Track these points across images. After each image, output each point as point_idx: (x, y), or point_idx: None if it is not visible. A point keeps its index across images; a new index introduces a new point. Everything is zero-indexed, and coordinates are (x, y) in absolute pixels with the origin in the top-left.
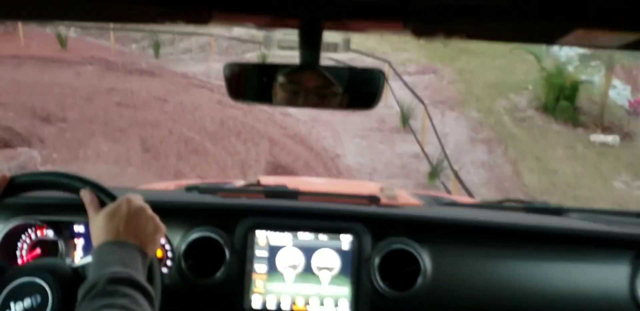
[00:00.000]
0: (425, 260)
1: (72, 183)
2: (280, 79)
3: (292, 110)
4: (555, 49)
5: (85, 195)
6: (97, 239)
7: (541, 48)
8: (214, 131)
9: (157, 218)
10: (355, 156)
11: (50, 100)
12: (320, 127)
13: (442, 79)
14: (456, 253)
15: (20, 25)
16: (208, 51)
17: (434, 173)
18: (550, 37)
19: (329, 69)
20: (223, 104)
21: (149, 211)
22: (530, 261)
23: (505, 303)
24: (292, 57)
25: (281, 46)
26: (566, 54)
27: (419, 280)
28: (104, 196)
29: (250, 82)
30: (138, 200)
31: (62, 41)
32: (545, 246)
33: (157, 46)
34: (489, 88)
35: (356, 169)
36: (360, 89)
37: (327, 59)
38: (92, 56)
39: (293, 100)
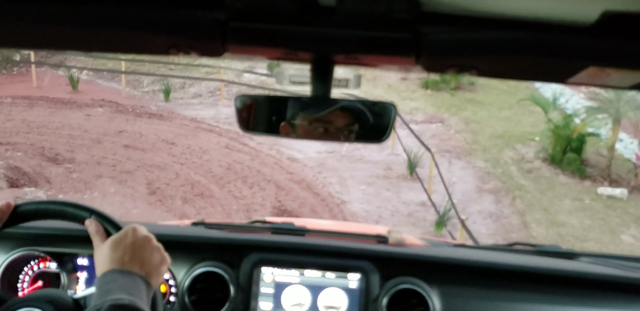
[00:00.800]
0: (434, 301)
1: (77, 212)
2: (300, 114)
3: (299, 155)
4: (561, 101)
5: (91, 225)
6: (101, 267)
7: (548, 100)
8: (220, 175)
9: (162, 249)
10: (362, 202)
11: (59, 141)
12: (326, 173)
13: (449, 129)
14: (465, 294)
15: (33, 66)
16: (218, 96)
17: (441, 222)
18: (562, 75)
19: (341, 101)
20: (231, 148)
21: (155, 241)
22: (541, 305)
23: None
24: (304, 92)
25: (292, 81)
26: (572, 107)
27: None
28: (109, 225)
29: (260, 114)
30: (143, 230)
31: (73, 83)
32: (557, 289)
33: (167, 90)
34: (496, 138)
35: (362, 216)
36: (371, 122)
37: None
38: (102, 99)
39: (306, 134)
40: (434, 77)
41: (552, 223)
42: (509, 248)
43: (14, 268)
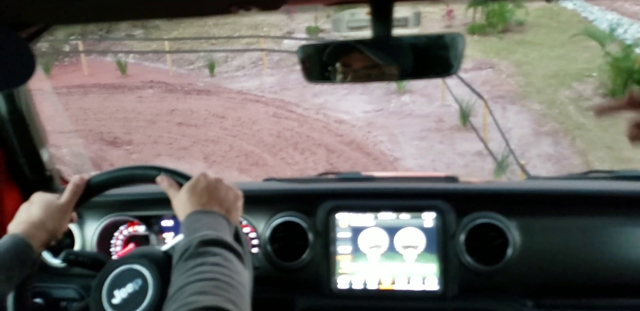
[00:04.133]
0: (513, 233)
1: (146, 172)
2: (365, 57)
3: (347, 116)
4: (619, 32)
5: (163, 180)
6: (183, 212)
7: (604, 32)
8: (272, 143)
9: (234, 187)
10: (415, 158)
11: (116, 125)
12: (376, 131)
13: (500, 73)
14: (544, 224)
15: (82, 55)
16: (260, 66)
17: (500, 169)
18: None
19: (403, 39)
20: (279, 117)
21: (226, 181)
22: (622, 229)
23: (597, 273)
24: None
25: (350, 27)
26: (632, 36)
27: (509, 253)
28: (179, 177)
29: (324, 62)
30: (212, 174)
31: (122, 68)
32: (638, 212)
33: (211, 66)
34: (550, 78)
35: (418, 172)
36: (438, 56)
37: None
38: (151, 80)
39: (374, 76)
40: (480, 21)
41: (617, 160)
42: (585, 176)
43: (107, 233)
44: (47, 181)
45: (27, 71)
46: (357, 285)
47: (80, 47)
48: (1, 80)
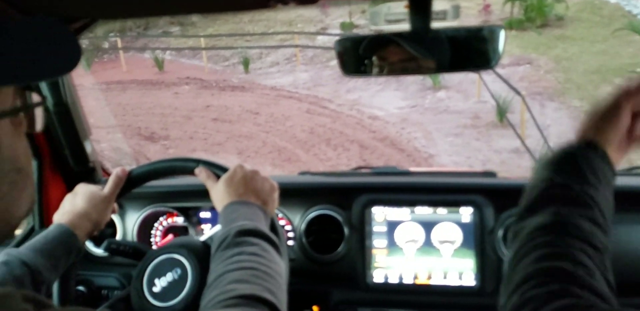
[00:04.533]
0: None
1: (185, 164)
2: (403, 50)
3: (381, 113)
4: None
5: (201, 172)
6: (220, 203)
7: None
8: (304, 140)
9: (270, 178)
10: (450, 154)
11: (153, 120)
12: (410, 127)
13: (539, 69)
14: None
15: (121, 52)
16: (294, 62)
17: None
18: None
19: (442, 32)
20: (312, 113)
21: (261, 173)
22: None
23: (635, 269)
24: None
25: (388, 20)
26: None
27: None
28: (216, 169)
29: (361, 56)
30: (248, 166)
31: (159, 64)
32: None
33: (246, 62)
34: (591, 74)
35: (454, 168)
36: (478, 48)
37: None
38: (187, 76)
39: (413, 69)
40: (518, 16)
41: None
42: (628, 172)
43: (147, 224)
44: (90, 173)
45: (72, 61)
46: (393, 279)
47: (119, 44)
48: (49, 68)
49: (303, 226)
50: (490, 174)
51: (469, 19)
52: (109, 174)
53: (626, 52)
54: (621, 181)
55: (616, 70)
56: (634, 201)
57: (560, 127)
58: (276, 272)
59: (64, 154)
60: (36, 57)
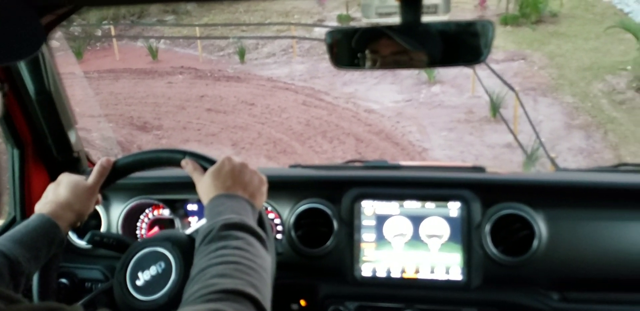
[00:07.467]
0: (540, 224)
1: (171, 155)
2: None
3: (376, 106)
4: None
5: (187, 164)
6: (207, 196)
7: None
8: (300, 132)
9: (259, 172)
10: (444, 149)
11: (145, 110)
12: (405, 121)
13: (533, 65)
14: (571, 216)
15: (114, 40)
16: (291, 54)
17: (529, 162)
18: None
19: (432, 25)
20: (308, 105)
21: (250, 166)
22: None
23: (624, 267)
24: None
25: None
26: None
27: (535, 244)
28: (203, 161)
29: (352, 48)
30: (237, 158)
31: (153, 53)
32: None
33: (242, 52)
34: (584, 71)
35: (446, 162)
36: (468, 43)
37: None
38: (181, 66)
39: (402, 63)
40: (513, 12)
41: None
42: (615, 169)
43: (132, 216)
44: (74, 163)
45: (34, 44)
46: (381, 273)
47: (112, 32)
48: (9, 51)
49: (292, 220)
50: (479, 169)
51: (465, 13)
52: (94, 164)
53: (617, 49)
54: (607, 177)
55: (608, 67)
56: (622, 197)
57: (553, 123)
58: (261, 267)
59: (47, 144)
60: None
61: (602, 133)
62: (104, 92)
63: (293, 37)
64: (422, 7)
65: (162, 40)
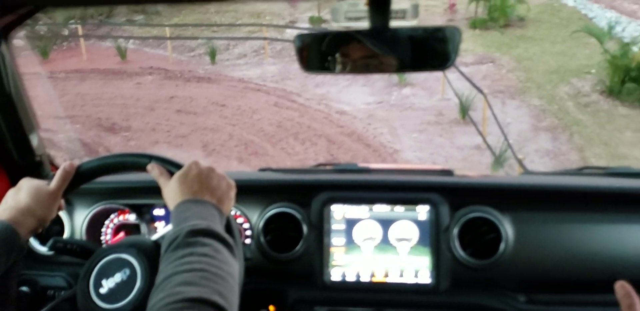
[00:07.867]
0: (506, 227)
1: (136, 160)
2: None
3: (348, 108)
4: (617, 30)
5: (153, 169)
6: (173, 201)
7: (603, 30)
8: (272, 133)
9: (227, 176)
10: (414, 150)
11: (113, 111)
12: (376, 123)
13: (501, 68)
14: (537, 218)
15: (82, 40)
16: (262, 55)
17: (498, 164)
18: None
19: (401, 30)
20: (280, 106)
21: (218, 170)
22: (614, 224)
23: (590, 268)
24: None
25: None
26: (630, 35)
27: (501, 247)
28: (170, 166)
29: (321, 52)
30: (204, 163)
31: (121, 53)
32: (631, 208)
33: (213, 53)
34: (550, 74)
35: (416, 164)
36: (435, 49)
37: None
38: (151, 66)
39: (369, 68)
40: (482, 16)
41: (613, 157)
42: (579, 172)
43: (97, 221)
44: (36, 167)
45: None
46: (350, 277)
47: (80, 31)
48: None
49: (261, 224)
50: (448, 172)
51: (435, 17)
52: (57, 169)
53: (582, 53)
54: (572, 180)
55: (573, 71)
56: (585, 200)
57: (521, 125)
58: (228, 273)
59: (7, 147)
60: None
61: (568, 135)
62: (71, 93)
63: (265, 38)
64: (390, 12)
65: (131, 41)
